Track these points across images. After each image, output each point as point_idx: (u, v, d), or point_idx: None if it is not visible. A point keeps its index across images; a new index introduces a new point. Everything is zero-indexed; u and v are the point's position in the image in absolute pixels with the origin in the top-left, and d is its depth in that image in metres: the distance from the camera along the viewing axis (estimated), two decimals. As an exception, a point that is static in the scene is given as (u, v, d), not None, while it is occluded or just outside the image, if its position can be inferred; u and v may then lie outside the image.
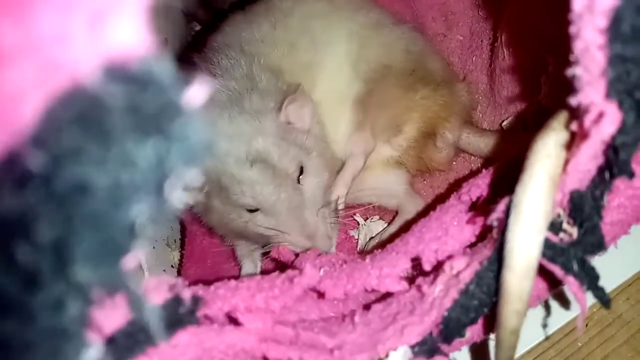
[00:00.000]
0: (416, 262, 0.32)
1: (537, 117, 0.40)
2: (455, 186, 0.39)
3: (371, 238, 0.49)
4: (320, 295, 0.32)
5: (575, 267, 0.22)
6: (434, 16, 0.57)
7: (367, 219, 0.51)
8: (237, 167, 0.39)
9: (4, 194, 0.14)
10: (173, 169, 0.15)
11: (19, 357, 0.15)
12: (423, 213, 0.37)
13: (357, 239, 0.50)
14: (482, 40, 0.53)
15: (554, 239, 0.23)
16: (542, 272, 0.25)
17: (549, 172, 0.22)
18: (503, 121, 0.47)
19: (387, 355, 0.25)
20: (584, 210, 0.22)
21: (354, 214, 0.50)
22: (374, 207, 0.51)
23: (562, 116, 0.23)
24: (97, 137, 0.14)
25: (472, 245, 0.31)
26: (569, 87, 0.20)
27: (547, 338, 0.40)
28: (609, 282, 0.30)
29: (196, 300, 0.24)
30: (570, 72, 0.20)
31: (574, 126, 0.21)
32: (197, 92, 0.15)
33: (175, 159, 0.15)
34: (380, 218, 0.51)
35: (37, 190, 0.14)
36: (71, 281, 0.15)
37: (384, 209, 0.51)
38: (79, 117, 0.14)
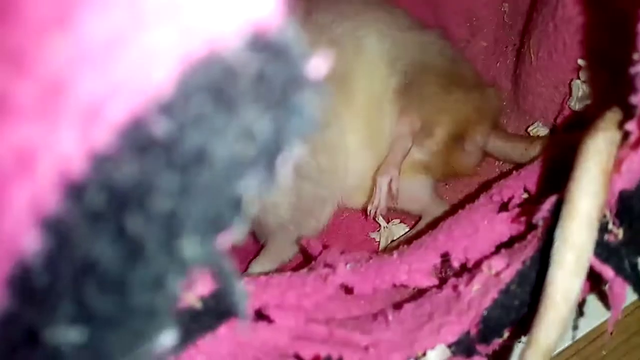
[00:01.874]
0: (444, 259, 0.32)
1: (566, 122, 0.40)
2: (480, 190, 0.38)
3: (392, 241, 0.49)
4: (348, 291, 0.32)
5: (628, 268, 0.22)
6: (458, 22, 0.57)
7: (389, 221, 0.50)
8: None
9: (124, 161, 0.14)
10: (287, 143, 0.15)
11: (101, 334, 0.15)
12: (449, 214, 0.37)
13: (378, 241, 0.50)
14: (506, 47, 0.54)
15: (606, 238, 0.22)
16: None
17: (601, 167, 0.22)
18: (528, 127, 0.47)
19: (424, 354, 0.25)
20: (633, 210, 0.22)
21: (376, 217, 0.50)
22: (395, 210, 0.51)
23: (611, 117, 0.23)
24: (223, 106, 0.14)
25: (503, 246, 0.31)
26: (624, 87, 0.20)
27: (571, 345, 0.39)
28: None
29: (244, 291, 0.23)
30: (633, 70, 0.20)
31: (629, 126, 0.21)
32: (319, 64, 0.15)
33: (290, 133, 0.15)
34: (401, 221, 0.51)
35: (157, 158, 0.14)
36: (175, 257, 0.15)
37: (406, 212, 0.51)
38: (210, 84, 0.14)
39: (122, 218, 0.14)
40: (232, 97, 0.14)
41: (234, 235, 0.15)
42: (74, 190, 0.14)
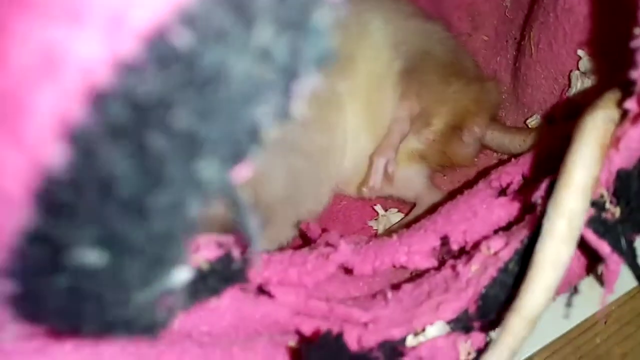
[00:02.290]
0: (443, 242, 0.32)
1: (566, 113, 0.40)
2: (478, 180, 0.39)
3: (389, 229, 0.50)
4: (347, 272, 0.32)
5: (624, 245, 0.22)
6: (460, 16, 0.58)
7: (387, 209, 0.51)
8: None
9: (148, 73, 0.14)
10: (304, 68, 0.15)
11: (120, 259, 0.15)
12: (447, 200, 0.38)
13: (376, 230, 0.50)
14: (507, 41, 0.54)
15: (604, 216, 0.23)
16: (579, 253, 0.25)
17: (598, 142, 0.22)
18: (527, 119, 0.48)
19: (423, 330, 0.26)
20: (630, 188, 0.23)
21: (374, 205, 0.51)
22: (393, 199, 0.51)
23: (610, 96, 0.23)
24: (243, 22, 0.14)
25: (501, 230, 0.31)
26: (624, 71, 0.20)
27: (564, 334, 0.40)
28: (629, 280, 0.31)
29: (245, 260, 0.24)
30: (633, 44, 0.20)
31: (629, 104, 0.22)
32: None
33: (308, 58, 0.15)
34: (398, 210, 0.51)
35: (179, 71, 0.14)
36: (193, 179, 0.15)
37: (402, 201, 0.51)
38: (231, -2, 0.14)
39: (143, 134, 0.14)
40: (252, 13, 0.14)
41: (249, 168, 0.15)
42: (99, 100, 0.14)
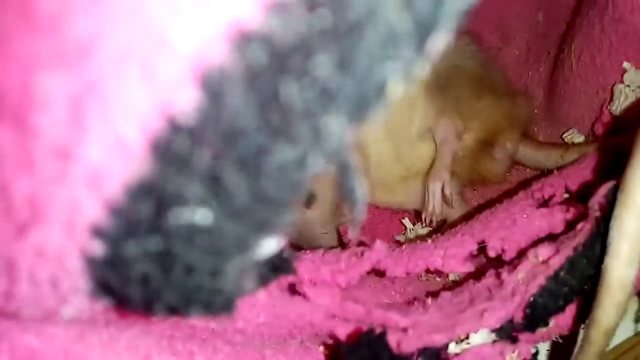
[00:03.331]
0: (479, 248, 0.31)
1: (608, 127, 0.39)
2: (515, 192, 0.38)
3: (418, 242, 0.48)
4: (379, 275, 0.31)
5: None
6: (490, 30, 0.57)
7: (415, 224, 0.50)
8: None
9: (294, 16, 0.13)
10: (441, 22, 0.14)
11: (224, 221, 0.14)
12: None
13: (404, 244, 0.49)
14: (539, 55, 0.53)
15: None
16: None
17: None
18: (562, 134, 0.47)
19: (467, 337, 0.24)
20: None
21: (402, 218, 0.50)
22: (421, 213, 0.50)
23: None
24: None
25: (540, 242, 0.30)
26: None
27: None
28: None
29: (292, 251, 0.23)
30: None
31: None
32: None
33: (449, 11, 0.14)
34: (426, 225, 0.50)
35: (328, 14, 0.13)
36: (319, 135, 0.14)
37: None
38: None
39: (278, 82, 0.13)
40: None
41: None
42: (241, 42, 0.13)
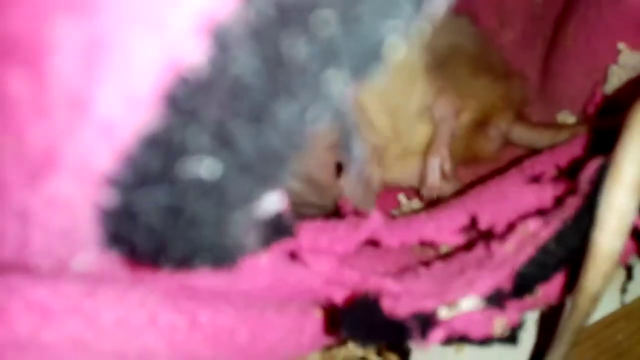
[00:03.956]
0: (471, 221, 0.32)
1: (600, 108, 0.40)
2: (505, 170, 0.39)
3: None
4: (374, 245, 0.32)
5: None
6: (488, 12, 0.58)
7: (410, 200, 0.51)
8: None
9: None
10: None
11: (230, 173, 0.15)
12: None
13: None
14: (535, 39, 0.54)
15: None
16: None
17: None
18: (555, 115, 0.48)
19: (457, 303, 0.25)
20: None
21: (397, 195, 0.51)
22: (415, 189, 0.51)
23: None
24: None
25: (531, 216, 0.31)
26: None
27: (585, 329, 0.40)
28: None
29: (292, 216, 0.24)
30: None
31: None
32: None
33: None
34: (420, 201, 0.51)
35: None
36: (321, 91, 0.14)
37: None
38: None
39: (283, 35, 0.14)
40: None
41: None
42: None
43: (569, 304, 0.27)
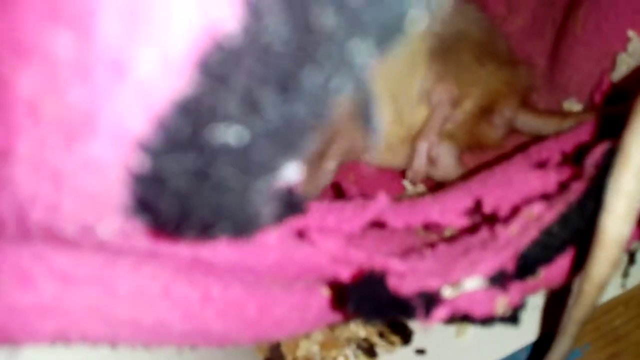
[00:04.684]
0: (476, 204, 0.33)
1: (607, 95, 0.40)
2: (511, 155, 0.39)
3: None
4: (380, 227, 0.33)
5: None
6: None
7: (415, 184, 0.51)
8: None
9: None
10: None
11: (255, 142, 0.15)
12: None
13: (403, 202, 0.51)
14: (544, 25, 0.54)
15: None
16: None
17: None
18: (561, 103, 0.48)
19: (460, 282, 0.26)
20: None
21: (403, 179, 0.51)
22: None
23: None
24: None
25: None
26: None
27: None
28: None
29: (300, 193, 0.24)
30: None
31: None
32: None
33: None
34: (426, 186, 0.52)
35: None
36: (346, 60, 0.15)
37: (430, 178, 0.52)
38: None
39: (312, 3, 0.14)
40: None
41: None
42: None
43: (574, 292, 0.27)
